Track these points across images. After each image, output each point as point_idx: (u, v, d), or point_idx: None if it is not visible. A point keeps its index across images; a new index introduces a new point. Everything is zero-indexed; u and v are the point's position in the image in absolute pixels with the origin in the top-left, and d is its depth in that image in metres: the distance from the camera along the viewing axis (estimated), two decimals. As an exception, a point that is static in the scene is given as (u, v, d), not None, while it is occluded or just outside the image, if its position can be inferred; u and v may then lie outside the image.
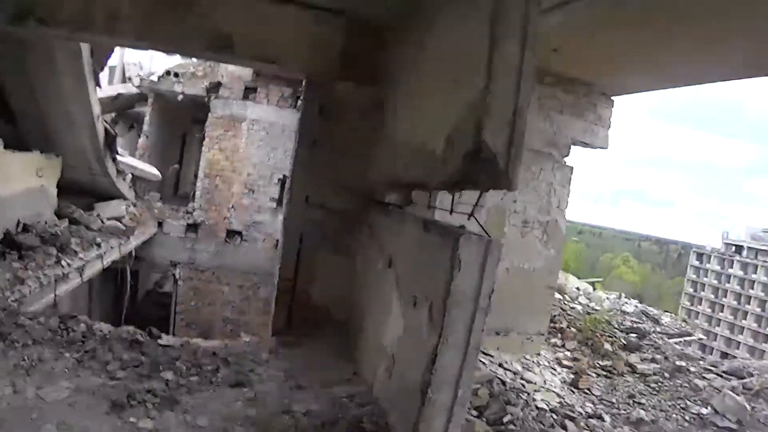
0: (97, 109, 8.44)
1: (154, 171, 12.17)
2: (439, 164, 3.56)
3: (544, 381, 7.47)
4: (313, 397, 4.52)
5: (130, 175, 11.32)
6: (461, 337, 3.31)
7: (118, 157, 10.43)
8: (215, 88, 12.33)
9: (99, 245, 9.05)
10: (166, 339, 5.55)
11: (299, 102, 11.94)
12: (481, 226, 3.70)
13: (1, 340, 4.86)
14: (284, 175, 12.49)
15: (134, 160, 12.06)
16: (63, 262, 7.63)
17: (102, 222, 9.89)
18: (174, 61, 12.83)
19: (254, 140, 12.50)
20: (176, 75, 12.53)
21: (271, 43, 5.34)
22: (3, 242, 7.05)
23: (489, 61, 3.08)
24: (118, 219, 10.40)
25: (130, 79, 13.05)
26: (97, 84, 8.27)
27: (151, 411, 4.05)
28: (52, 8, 5.24)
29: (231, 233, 12.88)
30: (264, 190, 12.72)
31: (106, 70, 16.41)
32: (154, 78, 12.71)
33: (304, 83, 6.74)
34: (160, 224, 12.67)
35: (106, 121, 9.25)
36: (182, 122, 15.21)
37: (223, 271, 13.02)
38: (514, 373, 7.43)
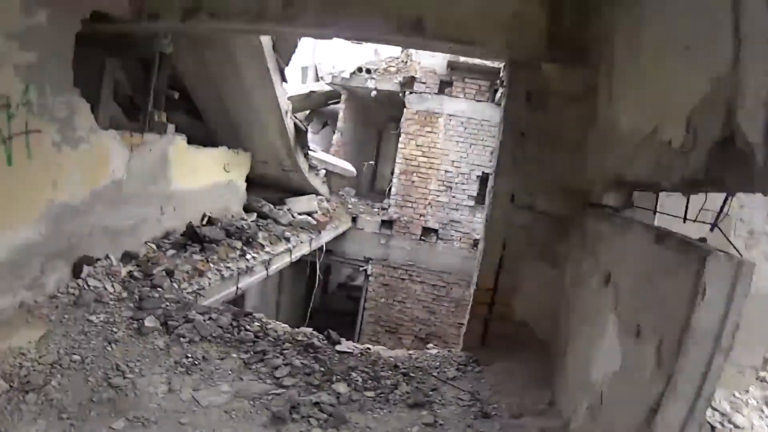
0: (284, 104, 8.52)
1: (349, 167, 12.30)
2: (674, 158, 2.75)
3: (752, 426, 6.11)
4: (499, 429, 3.91)
5: (323, 171, 11.56)
6: (693, 386, 2.50)
7: (311, 153, 10.66)
8: (409, 83, 12.08)
9: (288, 239, 9.22)
10: (345, 345, 5.28)
11: (497, 95, 11.34)
12: (729, 241, 2.85)
13: (167, 334, 4.91)
14: (483, 172, 12.02)
15: (328, 156, 12.27)
16: (248, 256, 7.80)
17: (293, 216, 10.11)
18: (365, 58, 12.89)
19: (451, 136, 12.09)
20: (368, 71, 12.50)
21: (466, 22, 4.73)
22: (186, 235, 7.33)
23: (735, 21, 2.27)
24: (310, 214, 10.60)
25: (322, 78, 13.36)
26: (284, 79, 8.32)
27: (314, 429, 3.69)
28: (222, 0, 5.18)
29: (426, 231, 12.61)
30: (462, 187, 12.28)
31: (298, 70, 17.17)
32: (346, 75, 12.78)
33: (504, 69, 6.11)
34: (354, 219, 12.78)
35: (296, 117, 9.40)
36: (377, 119, 15.29)
37: (416, 270, 12.80)
38: (722, 414, 6.18)
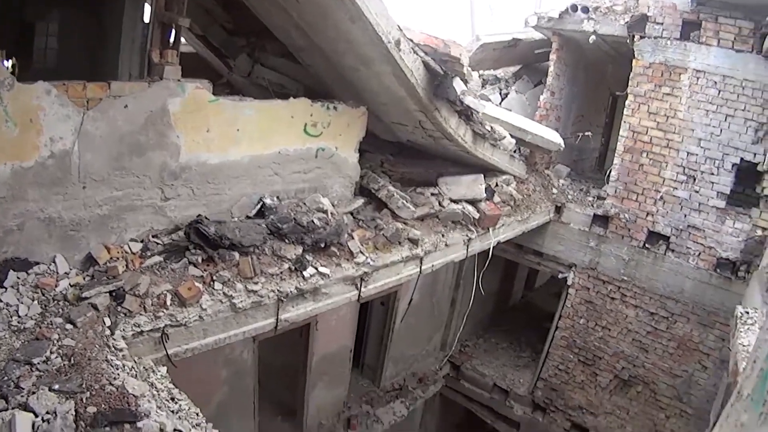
0: (390, 29, 5.95)
1: (553, 137, 9.76)
2: None
3: None
4: None
5: (511, 141, 9.47)
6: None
7: (482, 111, 8.62)
8: (639, 23, 8.82)
9: (414, 242, 7.31)
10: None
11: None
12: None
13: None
14: (742, 159, 8.58)
15: (527, 121, 10.01)
16: (309, 270, 5.96)
17: (441, 206, 8.18)
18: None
19: (699, 101, 8.69)
20: (585, 10, 9.64)
21: None
22: (188, 235, 5.68)
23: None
24: (473, 202, 8.52)
25: (527, 21, 10.80)
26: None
27: None
28: None
29: (653, 236, 9.53)
30: (709, 178, 8.87)
31: (489, 9, 14.15)
32: (555, 14, 10.04)
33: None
34: (558, 210, 10.30)
35: (427, 55, 6.73)
36: (605, 75, 12.12)
37: (632, 289, 9.86)
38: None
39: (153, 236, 5.66)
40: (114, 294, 4.81)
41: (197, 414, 4.49)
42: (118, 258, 5.21)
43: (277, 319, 5.92)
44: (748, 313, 6.34)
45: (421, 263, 7.60)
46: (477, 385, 12.38)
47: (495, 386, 12.18)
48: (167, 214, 5.80)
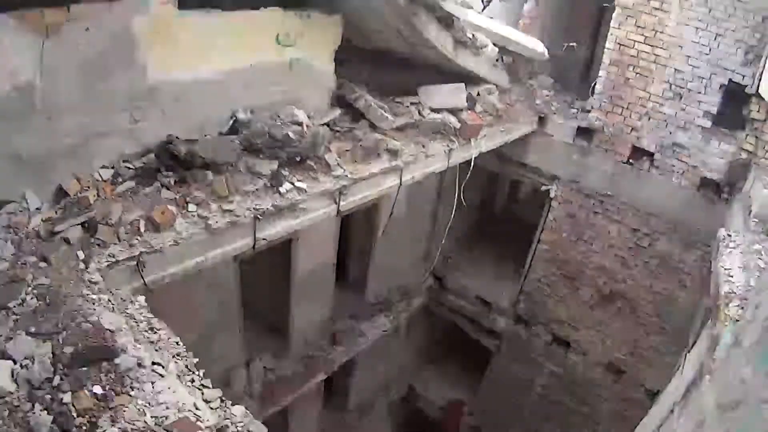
0: None
1: (538, 47, 9.50)
2: None
3: None
4: None
5: (494, 50, 9.22)
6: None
7: (462, 18, 8.21)
8: None
9: (394, 153, 7.27)
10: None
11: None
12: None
13: None
14: (731, 80, 8.36)
15: (510, 30, 9.67)
16: (285, 186, 5.91)
17: (421, 115, 8.06)
18: None
19: (689, 18, 8.43)
20: None
21: None
22: (160, 157, 5.53)
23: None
24: (454, 111, 8.38)
25: None
26: None
27: None
28: None
29: (637, 152, 9.40)
30: (696, 97, 8.67)
31: None
32: None
33: None
34: (541, 120, 10.14)
35: None
36: None
37: (615, 204, 9.90)
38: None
39: (124, 161, 5.54)
40: (86, 225, 4.75)
41: (177, 343, 4.54)
42: (89, 187, 5.12)
43: (254, 238, 5.91)
44: (730, 236, 6.40)
45: (401, 175, 7.56)
46: (460, 297, 12.59)
47: (478, 298, 12.39)
48: (138, 138, 5.66)
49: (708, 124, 8.80)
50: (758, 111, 8.10)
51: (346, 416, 12.83)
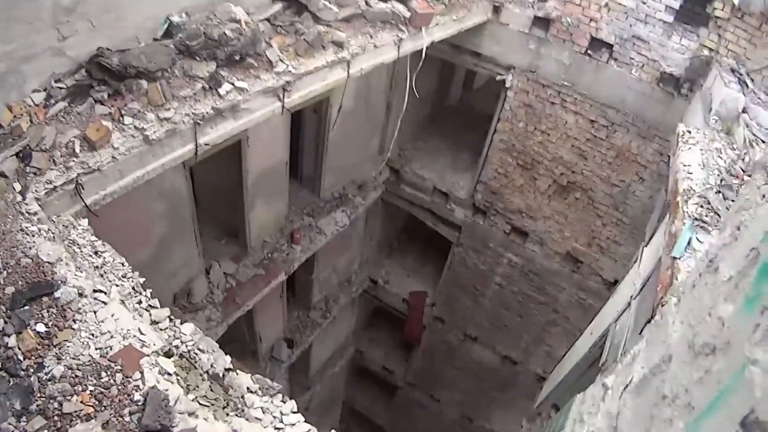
0: None
1: None
2: None
3: None
4: None
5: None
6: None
7: None
8: None
9: (340, 45, 7.03)
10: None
11: None
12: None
13: None
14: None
15: None
16: (224, 87, 5.70)
17: (368, 5, 7.66)
18: None
19: None
20: None
21: None
22: (90, 72, 5.20)
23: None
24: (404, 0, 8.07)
25: None
26: None
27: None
28: None
29: (596, 43, 9.24)
30: None
31: None
32: None
33: None
34: (496, 9, 9.81)
35: None
36: None
37: (572, 95, 9.81)
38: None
39: (56, 82, 5.16)
40: (21, 155, 4.53)
41: (122, 264, 4.47)
42: (21, 115, 4.80)
43: (196, 144, 5.74)
44: (689, 132, 6.44)
45: (348, 67, 7.35)
46: (417, 189, 12.65)
47: (435, 189, 12.47)
48: (68, 55, 5.24)
49: (670, 18, 8.61)
50: (722, 9, 7.96)
51: (311, 314, 13.13)
